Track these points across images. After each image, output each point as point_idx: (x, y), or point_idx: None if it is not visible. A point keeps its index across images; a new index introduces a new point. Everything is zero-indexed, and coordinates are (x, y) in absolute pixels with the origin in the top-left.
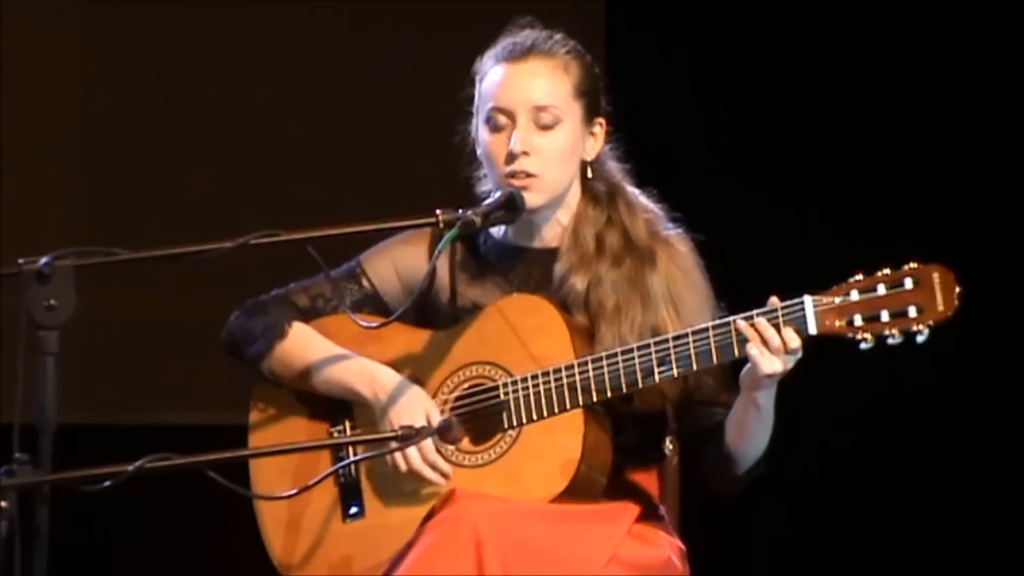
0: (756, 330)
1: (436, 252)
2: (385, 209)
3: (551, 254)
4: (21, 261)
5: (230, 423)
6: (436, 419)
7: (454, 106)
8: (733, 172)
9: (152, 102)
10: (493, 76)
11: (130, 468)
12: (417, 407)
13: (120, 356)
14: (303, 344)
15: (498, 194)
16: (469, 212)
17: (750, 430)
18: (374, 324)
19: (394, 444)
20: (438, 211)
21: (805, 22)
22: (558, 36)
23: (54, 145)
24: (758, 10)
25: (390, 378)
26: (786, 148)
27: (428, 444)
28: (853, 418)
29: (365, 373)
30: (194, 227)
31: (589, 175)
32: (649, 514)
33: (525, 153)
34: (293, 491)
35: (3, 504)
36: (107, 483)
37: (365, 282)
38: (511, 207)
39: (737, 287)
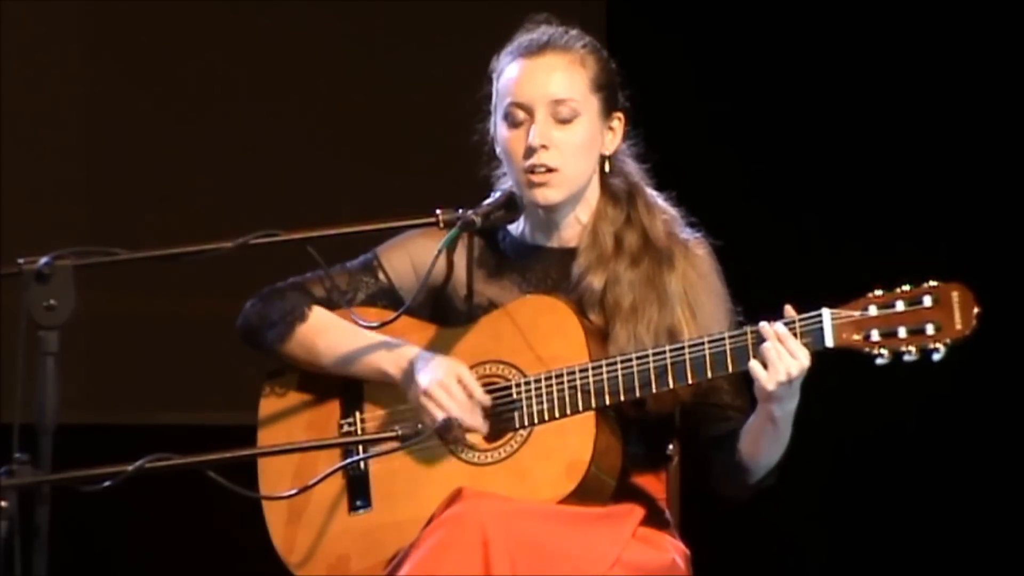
0: (774, 331)
1: (436, 252)
2: (385, 209)
3: (569, 254)
4: (21, 261)
5: (230, 423)
6: (468, 379)
7: (455, 107)
8: (734, 174)
9: (152, 102)
10: (510, 72)
11: (130, 468)
12: (447, 371)
13: (120, 356)
14: (324, 327)
15: (498, 194)
16: (469, 212)
17: (763, 443)
18: (374, 324)
19: (396, 443)
20: (438, 211)
21: (813, 23)
22: (574, 31)
23: (54, 145)
24: (761, 10)
25: (412, 352)
26: (789, 151)
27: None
28: (859, 425)
29: (387, 351)
30: (194, 227)
31: (607, 170)
32: (654, 517)
33: (544, 147)
34: (293, 491)
35: (3, 504)
36: (107, 483)
37: (381, 275)
38: (511, 207)
39: (751, 294)
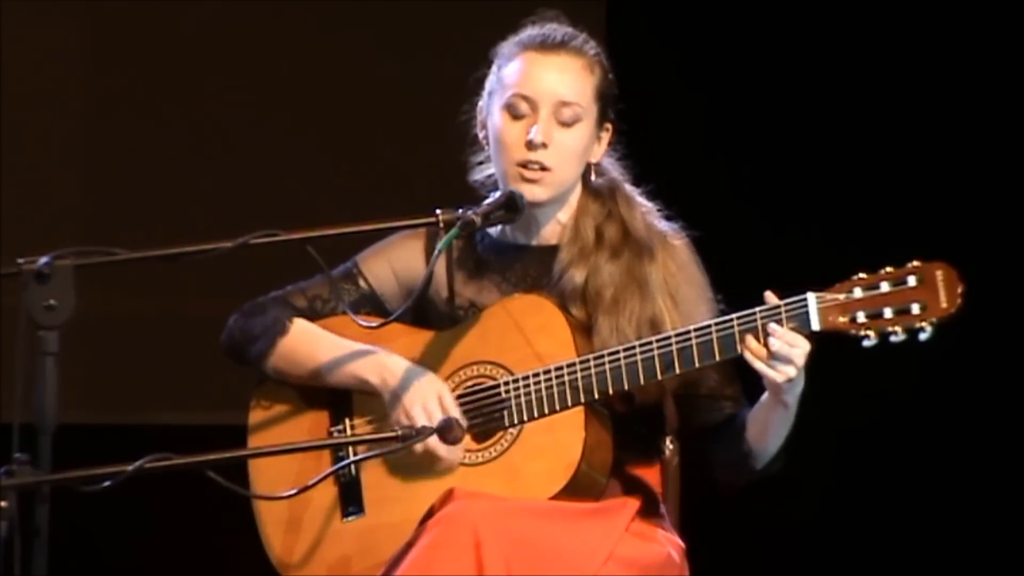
0: (764, 344)
1: (435, 253)
2: (385, 210)
3: (549, 252)
4: (21, 261)
5: (230, 423)
6: (448, 401)
7: (454, 108)
8: (733, 171)
9: (152, 102)
10: (519, 63)
11: (130, 468)
12: (428, 390)
13: (120, 356)
14: (306, 339)
15: (497, 194)
16: (469, 212)
17: (773, 427)
18: (374, 324)
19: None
20: (438, 211)
21: (807, 23)
22: (584, 35)
23: (54, 145)
24: (759, 11)
25: (398, 365)
26: (786, 147)
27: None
28: (855, 416)
29: (373, 361)
30: (194, 227)
31: (592, 177)
32: (649, 512)
33: (544, 145)
34: (292, 491)
35: (3, 504)
36: (107, 483)
37: (363, 282)
38: (511, 207)
39: (735, 285)
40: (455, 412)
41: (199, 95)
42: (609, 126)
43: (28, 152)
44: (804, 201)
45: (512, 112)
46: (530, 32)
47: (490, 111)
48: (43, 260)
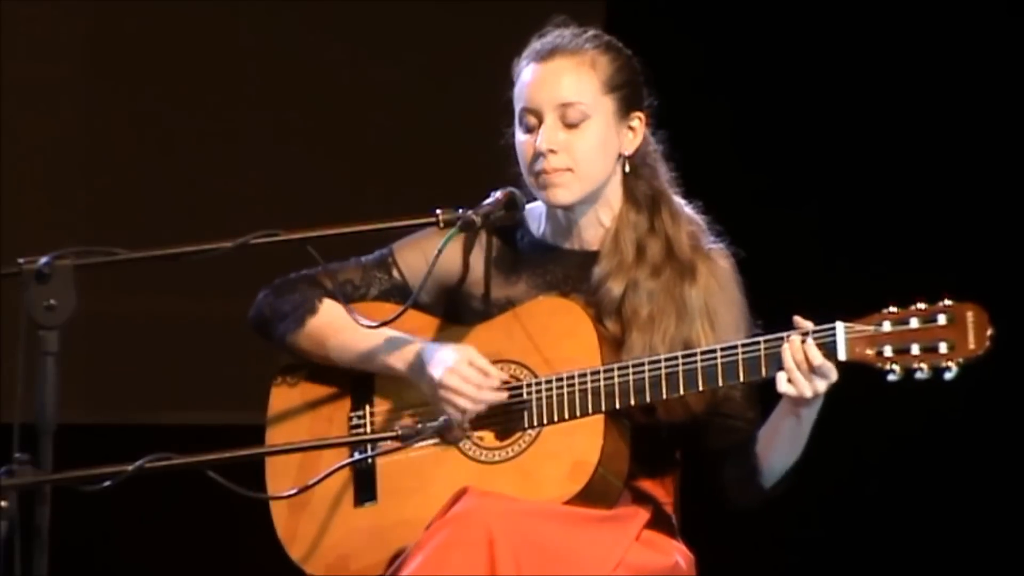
0: (790, 350)
1: (436, 253)
2: (385, 210)
3: (589, 257)
4: (21, 261)
5: (230, 423)
6: (482, 361)
7: (455, 110)
8: (734, 174)
9: (152, 102)
10: (524, 77)
11: (130, 468)
12: (456, 354)
13: (120, 356)
14: (334, 321)
15: (498, 193)
16: (469, 212)
17: (782, 441)
18: (373, 324)
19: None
20: (438, 211)
21: (812, 23)
22: (589, 32)
23: (54, 145)
24: (761, 12)
25: (420, 345)
26: (787, 150)
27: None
28: (868, 436)
29: (395, 346)
30: (194, 227)
31: (627, 170)
32: (661, 523)
33: (552, 151)
34: (293, 491)
35: (3, 504)
36: (107, 483)
37: (396, 272)
38: (511, 206)
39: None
40: (490, 368)
41: (200, 95)
42: (640, 115)
43: (28, 152)
44: (808, 207)
45: (524, 126)
46: (533, 44)
47: (514, 129)
48: (43, 260)
